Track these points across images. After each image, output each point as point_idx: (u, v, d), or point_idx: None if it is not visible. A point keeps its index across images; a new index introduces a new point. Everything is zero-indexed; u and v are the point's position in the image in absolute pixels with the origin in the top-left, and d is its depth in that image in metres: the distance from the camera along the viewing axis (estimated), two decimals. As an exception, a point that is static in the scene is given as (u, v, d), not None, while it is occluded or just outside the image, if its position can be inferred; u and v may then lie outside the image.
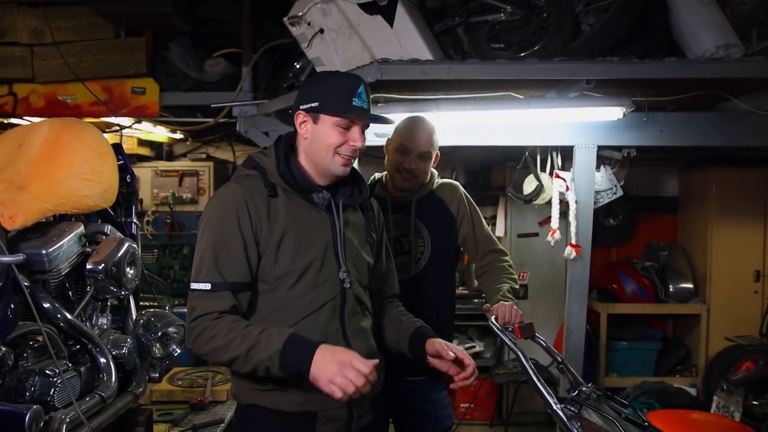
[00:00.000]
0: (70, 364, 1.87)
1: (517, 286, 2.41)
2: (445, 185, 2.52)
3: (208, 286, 1.63)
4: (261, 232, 1.68)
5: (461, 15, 2.89)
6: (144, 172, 5.15)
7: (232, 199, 1.69)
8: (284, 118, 3.45)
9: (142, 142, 5.06)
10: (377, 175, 2.59)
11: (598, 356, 4.57)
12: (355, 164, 1.87)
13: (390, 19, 2.72)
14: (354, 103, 1.69)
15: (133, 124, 4.06)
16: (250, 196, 1.68)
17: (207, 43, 3.86)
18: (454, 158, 5.21)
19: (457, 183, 2.58)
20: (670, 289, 4.69)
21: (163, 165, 5.09)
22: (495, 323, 2.14)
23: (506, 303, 2.24)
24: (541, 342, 2.31)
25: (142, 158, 5.15)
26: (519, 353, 1.98)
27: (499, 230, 5.08)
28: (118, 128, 4.16)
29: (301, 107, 1.73)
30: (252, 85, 3.66)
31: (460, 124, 3.26)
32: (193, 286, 1.65)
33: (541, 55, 2.68)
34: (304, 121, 1.74)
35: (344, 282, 1.74)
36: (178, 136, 4.98)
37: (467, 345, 4.88)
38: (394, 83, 2.81)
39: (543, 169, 3.55)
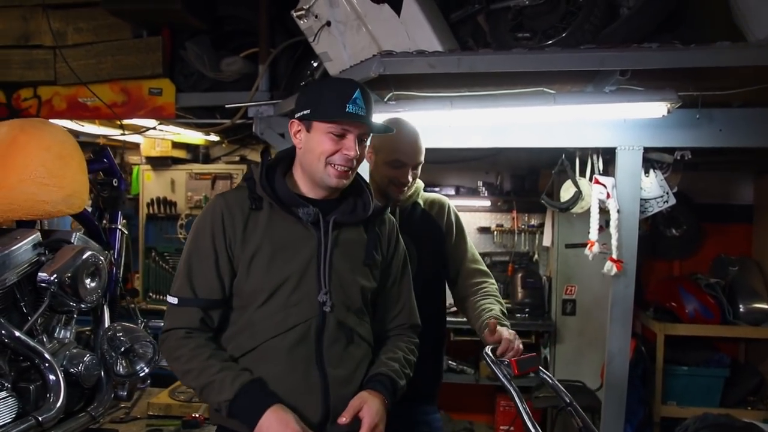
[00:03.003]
0: (6, 384, 1.71)
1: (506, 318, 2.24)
2: (431, 198, 2.40)
3: (175, 301, 1.63)
4: (235, 247, 1.62)
5: (481, 2, 2.59)
6: (179, 175, 5.11)
7: (210, 213, 1.65)
8: (299, 119, 3.25)
9: (177, 145, 5.01)
10: None
11: (654, 381, 4.12)
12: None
13: (397, 8, 2.47)
14: (348, 109, 1.58)
15: (158, 125, 3.98)
16: (228, 210, 1.63)
17: (230, 43, 3.72)
18: (499, 161, 4.88)
19: (445, 198, 2.44)
20: (741, 309, 4.15)
21: (197, 168, 5.03)
22: (489, 354, 1.85)
23: (508, 331, 1.97)
24: (548, 378, 1.98)
25: (177, 161, 5.11)
26: (513, 392, 1.68)
27: (546, 240, 4.71)
28: (144, 129, 4.10)
29: (295, 116, 1.65)
30: (270, 85, 3.48)
31: (488, 124, 2.97)
32: (168, 298, 1.67)
33: (568, 44, 2.34)
34: (299, 131, 1.66)
35: (324, 305, 1.62)
36: (214, 138, 4.90)
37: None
38: (412, 80, 2.55)
39: (583, 174, 3.18)
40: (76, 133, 4.07)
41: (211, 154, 5.31)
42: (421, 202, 2.35)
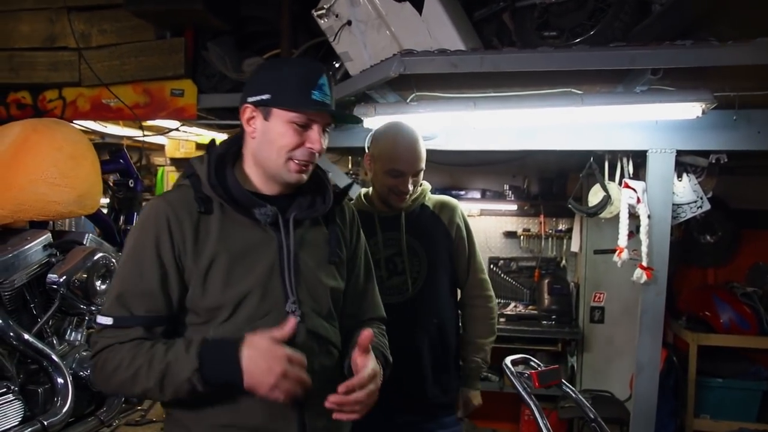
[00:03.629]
0: (13, 387, 1.68)
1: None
2: (441, 201, 2.34)
3: (109, 321, 1.39)
4: (185, 258, 1.41)
5: (506, -1, 2.50)
6: (203, 177, 5.09)
7: (153, 218, 1.43)
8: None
9: (201, 146, 5.01)
10: (363, 190, 2.38)
11: (686, 394, 3.96)
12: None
13: (419, 6, 2.39)
14: (314, 96, 1.40)
15: (180, 126, 3.97)
16: (174, 214, 1.42)
17: (253, 44, 3.69)
18: (527, 164, 4.78)
19: (455, 201, 2.37)
20: (779, 320, 3.99)
21: (222, 169, 5.01)
22: (509, 366, 1.78)
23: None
24: (571, 392, 1.90)
25: (202, 163, 5.10)
26: (532, 406, 1.60)
27: (575, 245, 4.58)
28: (167, 131, 4.09)
29: (249, 100, 1.44)
30: (292, 86, 3.43)
31: (513, 126, 2.89)
32: (98, 318, 1.41)
33: (597, 42, 2.24)
34: (252, 117, 1.45)
35: (293, 314, 1.43)
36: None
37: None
38: (435, 80, 2.48)
39: (612, 178, 3.07)
40: (100, 134, 4.09)
41: (236, 156, 5.30)
42: (430, 204, 2.31)
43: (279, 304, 1.44)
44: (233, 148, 1.51)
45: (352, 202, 2.42)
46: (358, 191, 2.42)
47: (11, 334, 1.71)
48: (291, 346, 1.39)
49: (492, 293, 2.34)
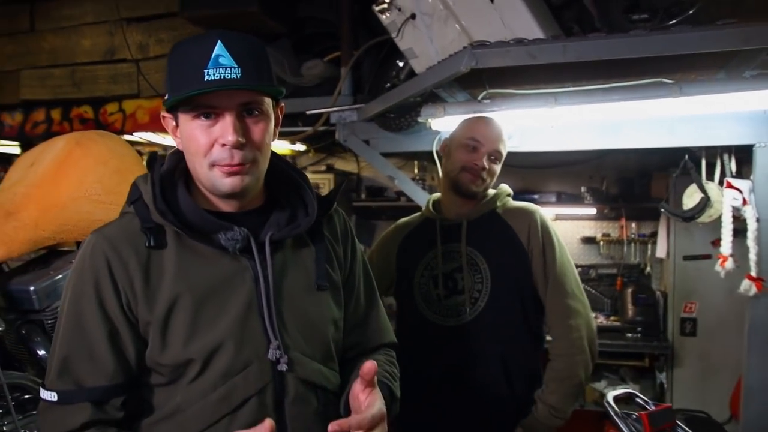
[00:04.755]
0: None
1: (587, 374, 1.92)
2: (516, 207, 2.02)
3: (53, 397, 1.12)
4: (136, 307, 1.13)
5: (588, -19, 2.24)
6: (266, 187, 5.01)
7: (89, 260, 1.15)
8: (384, 123, 3.00)
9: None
10: (433, 197, 2.16)
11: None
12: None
13: (490, -7, 2.17)
14: (207, 76, 1.07)
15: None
16: (114, 253, 1.13)
17: (312, 47, 3.54)
18: (605, 164, 4.47)
19: (535, 206, 2.03)
20: None
21: (283, 179, 4.91)
22: (612, 405, 1.52)
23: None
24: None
25: (263, 172, 5.02)
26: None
27: (661, 251, 4.21)
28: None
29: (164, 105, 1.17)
30: (353, 89, 3.26)
31: (596, 122, 2.61)
32: (41, 392, 1.15)
33: (699, 21, 1.96)
34: (175, 126, 1.19)
35: (278, 363, 1.15)
36: (300, 147, 4.76)
37: (619, 388, 4.06)
38: (507, 75, 2.24)
39: (710, 177, 2.74)
40: (162, 147, 4.04)
41: (298, 164, 5.18)
42: (500, 211, 2.02)
43: (260, 351, 1.15)
44: (182, 162, 1.22)
45: (419, 213, 2.20)
46: (428, 197, 2.20)
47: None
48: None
49: (578, 322, 1.90)
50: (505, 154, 2.01)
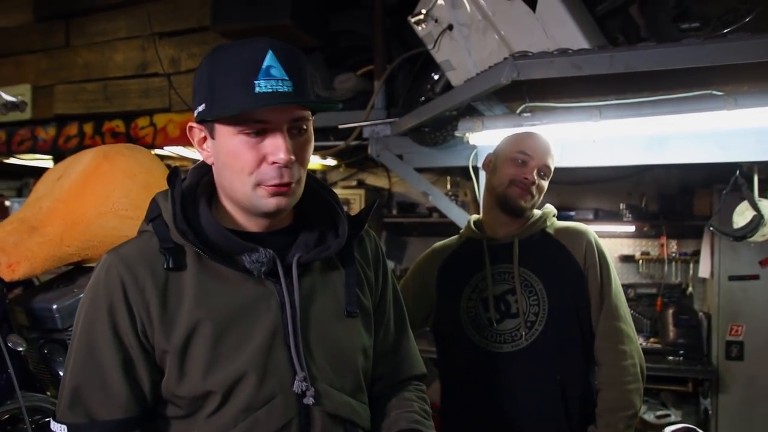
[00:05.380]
0: None
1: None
2: (567, 227, 1.92)
3: (63, 431, 1.05)
4: (153, 334, 1.05)
5: (634, -11, 2.15)
6: (295, 201, 4.97)
7: (103, 283, 1.07)
8: (418, 138, 2.93)
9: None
10: (473, 217, 2.03)
11: None
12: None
13: (532, 2, 2.09)
14: (258, 88, 0.99)
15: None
16: (131, 275, 1.06)
17: (345, 60, 3.50)
18: (645, 180, 4.33)
19: (586, 226, 1.92)
20: None
21: (314, 194, 4.87)
22: None
23: None
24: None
25: (292, 187, 4.99)
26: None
27: (704, 271, 4.04)
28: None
29: (195, 116, 1.09)
30: (387, 102, 3.20)
31: (641, 136, 2.49)
32: (51, 426, 1.08)
33: (756, 29, 1.85)
34: (203, 138, 1.10)
35: (304, 396, 1.06)
36: (331, 162, 4.72)
37: (659, 413, 3.90)
38: (548, 88, 2.15)
39: (764, 194, 2.60)
40: (192, 161, 4.02)
41: (329, 179, 5.13)
42: (552, 231, 1.91)
43: (285, 384, 1.07)
44: (206, 177, 1.15)
45: (456, 236, 2.09)
46: (469, 218, 2.10)
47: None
48: None
49: (629, 348, 1.78)
50: (553, 169, 1.91)
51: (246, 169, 1.04)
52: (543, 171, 1.85)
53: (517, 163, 1.82)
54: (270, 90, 0.99)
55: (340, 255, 1.18)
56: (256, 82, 0.99)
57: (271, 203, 1.06)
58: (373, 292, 1.24)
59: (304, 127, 1.07)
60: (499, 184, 1.85)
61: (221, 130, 1.05)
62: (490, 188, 1.92)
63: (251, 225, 1.12)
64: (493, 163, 1.92)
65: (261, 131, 1.03)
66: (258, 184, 1.05)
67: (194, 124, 1.10)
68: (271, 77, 1.00)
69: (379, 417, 1.22)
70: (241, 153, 1.03)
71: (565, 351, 1.79)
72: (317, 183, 1.24)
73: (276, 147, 1.02)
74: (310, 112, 1.09)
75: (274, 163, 1.03)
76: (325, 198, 1.21)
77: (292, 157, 1.03)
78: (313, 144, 1.12)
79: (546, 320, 1.80)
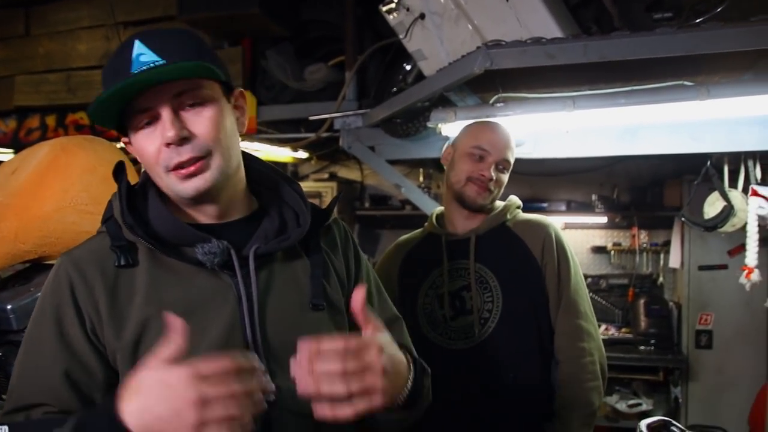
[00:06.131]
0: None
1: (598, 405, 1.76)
2: (528, 220, 1.88)
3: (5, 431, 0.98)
4: (103, 332, 1.01)
5: (607, -22, 2.13)
6: (266, 195, 4.90)
7: (52, 285, 1.05)
8: (390, 129, 2.88)
9: (263, 164, 4.81)
10: (437, 210, 2.01)
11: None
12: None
13: (505, -10, 2.05)
14: (134, 68, 0.97)
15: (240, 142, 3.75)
16: (79, 275, 1.03)
17: (316, 51, 3.44)
18: (616, 172, 4.35)
19: (548, 219, 1.89)
20: None
21: (284, 187, 4.80)
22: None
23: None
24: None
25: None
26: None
27: (674, 261, 4.09)
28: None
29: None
30: (358, 93, 3.15)
31: (614, 127, 2.49)
32: None
33: (728, 18, 1.84)
34: (134, 148, 1.07)
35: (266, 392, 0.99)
36: (302, 154, 4.65)
37: (631, 402, 3.94)
38: (521, 78, 2.12)
39: (734, 185, 2.62)
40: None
41: (300, 172, 5.07)
42: (511, 224, 1.88)
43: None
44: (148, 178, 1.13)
45: (420, 229, 2.05)
46: (432, 211, 2.06)
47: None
48: None
49: (589, 345, 1.76)
50: (513, 162, 1.88)
51: (152, 160, 1.02)
52: (502, 165, 1.82)
53: (474, 159, 1.79)
54: (140, 69, 0.97)
55: (305, 246, 1.14)
56: (131, 65, 0.98)
57: (188, 187, 1.02)
58: (344, 282, 1.19)
59: (198, 99, 1.02)
60: (456, 181, 1.82)
61: (131, 134, 1.05)
62: (448, 183, 1.89)
63: (201, 217, 1.10)
64: (451, 156, 1.88)
65: (151, 120, 1.01)
66: (167, 171, 1.02)
67: (125, 139, 1.08)
68: (143, 63, 0.98)
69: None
70: (144, 147, 1.02)
71: (519, 348, 1.76)
72: (273, 171, 1.20)
73: (164, 126, 0.99)
74: (207, 81, 1.03)
75: (167, 144, 1.00)
76: (287, 188, 1.17)
77: (182, 132, 0.99)
78: (227, 115, 1.06)
79: (500, 317, 1.77)
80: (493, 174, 1.80)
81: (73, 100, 3.64)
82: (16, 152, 3.98)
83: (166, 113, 0.99)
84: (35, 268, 1.55)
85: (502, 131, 1.88)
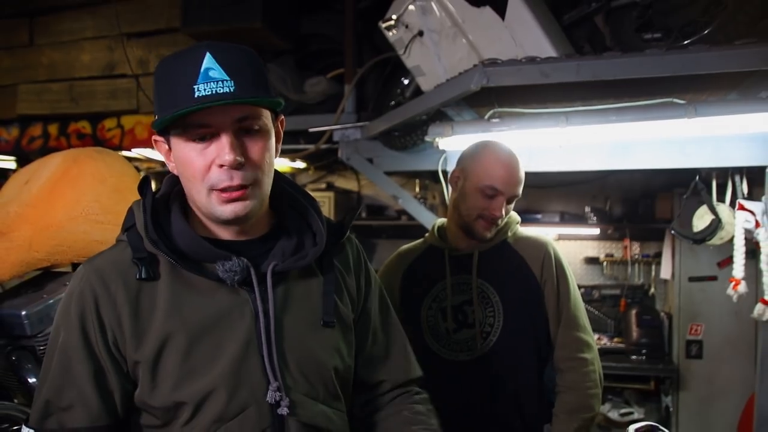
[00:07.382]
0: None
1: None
2: (527, 237, 1.93)
3: None
4: (124, 345, 1.05)
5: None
6: (264, 204, 4.94)
7: (77, 295, 1.07)
8: (388, 142, 2.95)
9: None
10: (438, 222, 2.04)
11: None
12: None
13: (501, 10, 2.13)
14: (197, 92, 0.97)
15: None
16: (103, 287, 1.05)
17: (316, 63, 3.51)
18: (608, 184, 4.42)
19: (547, 237, 1.95)
20: None
21: (282, 196, 4.85)
22: None
23: None
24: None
25: (263, 189, 4.97)
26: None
27: (665, 272, 4.16)
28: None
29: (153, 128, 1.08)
30: (357, 106, 3.22)
31: (605, 142, 2.56)
32: (23, 429, 1.08)
33: (715, 40, 1.92)
34: (167, 150, 1.09)
35: (278, 406, 1.05)
36: (300, 165, 4.72)
37: (623, 410, 4.00)
38: (516, 94, 2.20)
39: (721, 199, 2.69)
40: (161, 163, 3.98)
41: (297, 182, 5.11)
42: (512, 241, 1.92)
43: (258, 394, 1.05)
44: (178, 186, 1.13)
45: (422, 239, 2.10)
46: (433, 223, 2.11)
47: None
48: None
49: (590, 356, 1.83)
50: (521, 191, 1.90)
51: (197, 175, 1.03)
52: (511, 201, 1.86)
53: (485, 197, 1.81)
54: (209, 93, 0.98)
55: (320, 263, 1.17)
56: (195, 86, 0.98)
57: (227, 210, 1.04)
58: (355, 301, 1.23)
59: (256, 126, 1.03)
60: (466, 214, 1.84)
61: (175, 140, 1.05)
62: (455, 206, 1.91)
63: (223, 233, 1.12)
64: (461, 183, 1.88)
65: (207, 136, 1.02)
66: (211, 190, 1.03)
67: (157, 137, 1.10)
68: (211, 79, 0.98)
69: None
70: (191, 160, 1.02)
71: (518, 361, 1.82)
72: (293, 187, 1.22)
73: (221, 150, 1.01)
74: (265, 110, 1.06)
75: (221, 166, 1.01)
76: (302, 204, 1.20)
77: (240, 158, 1.01)
78: (273, 143, 1.09)
79: (501, 331, 1.83)
80: (503, 213, 1.84)
81: (75, 110, 3.70)
82: (18, 159, 4.04)
83: (227, 137, 1.01)
84: (46, 275, 1.61)
85: (515, 166, 1.87)
